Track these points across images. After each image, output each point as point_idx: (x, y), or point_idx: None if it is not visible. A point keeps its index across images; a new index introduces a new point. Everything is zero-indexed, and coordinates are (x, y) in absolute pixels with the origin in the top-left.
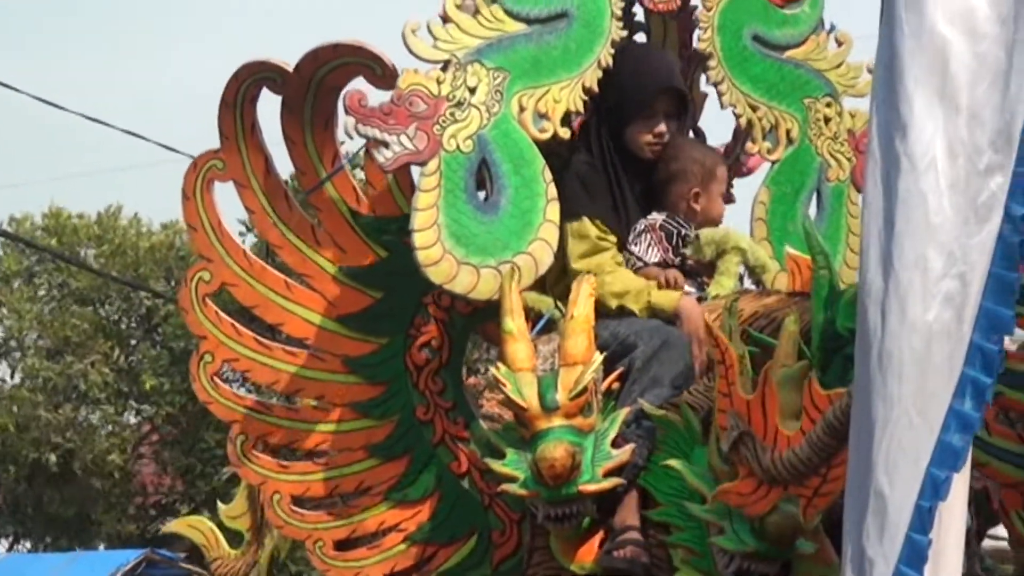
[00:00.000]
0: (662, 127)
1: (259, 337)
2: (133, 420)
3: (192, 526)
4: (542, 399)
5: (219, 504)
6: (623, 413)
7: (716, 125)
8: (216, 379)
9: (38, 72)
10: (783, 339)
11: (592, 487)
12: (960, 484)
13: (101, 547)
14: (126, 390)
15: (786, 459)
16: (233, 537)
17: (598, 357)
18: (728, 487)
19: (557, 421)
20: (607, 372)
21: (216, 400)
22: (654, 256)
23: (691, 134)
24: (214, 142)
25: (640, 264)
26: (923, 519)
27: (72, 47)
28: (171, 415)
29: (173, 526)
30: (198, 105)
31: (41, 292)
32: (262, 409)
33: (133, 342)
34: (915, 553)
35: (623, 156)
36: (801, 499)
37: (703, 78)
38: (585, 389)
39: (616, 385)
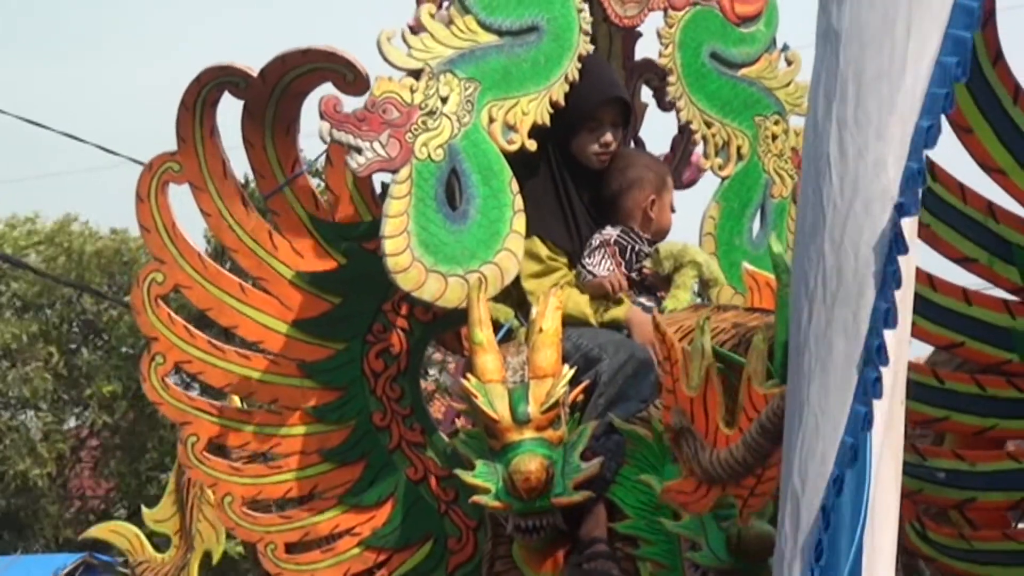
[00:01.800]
0: (608, 137)
1: (212, 340)
2: (72, 425)
3: (115, 531)
4: (513, 411)
5: (143, 508)
6: (591, 426)
7: (651, 135)
8: (167, 380)
9: None
10: (752, 356)
11: (564, 500)
12: (890, 490)
13: (39, 551)
14: (66, 396)
15: (723, 458)
16: (161, 541)
17: (568, 371)
18: (671, 485)
19: (528, 434)
20: (572, 385)
21: (167, 401)
22: (603, 270)
23: (632, 143)
24: (157, 146)
25: (589, 276)
26: (826, 519)
27: (13, 50)
28: (112, 422)
29: (95, 531)
30: (140, 109)
31: None
32: (214, 411)
33: (73, 346)
34: (820, 553)
35: (571, 168)
36: (738, 499)
37: (644, 88)
38: (557, 402)
39: (581, 398)
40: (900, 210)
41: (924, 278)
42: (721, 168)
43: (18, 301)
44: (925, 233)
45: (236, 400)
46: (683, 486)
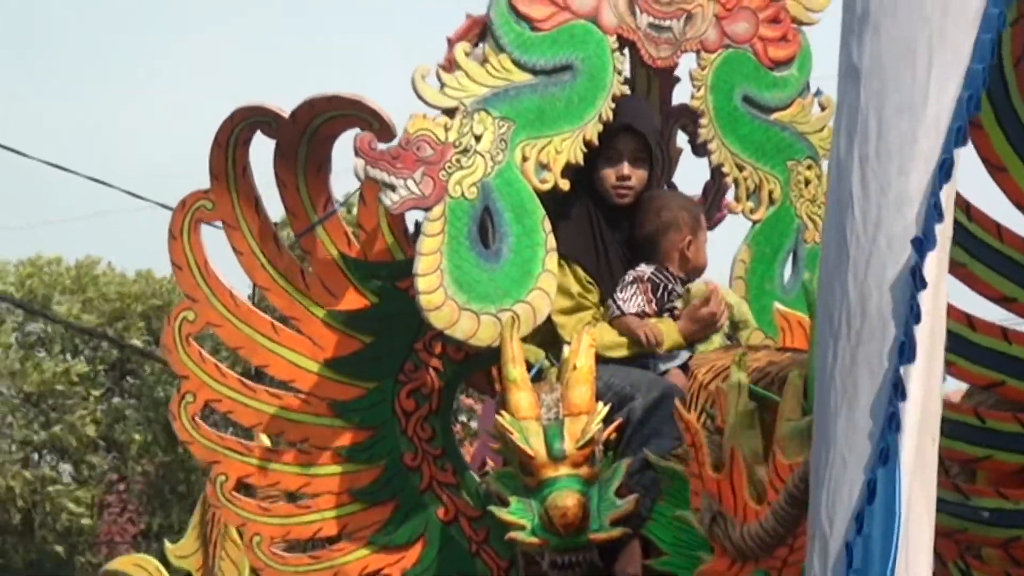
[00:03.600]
0: (626, 170)
1: (243, 379)
2: (105, 468)
3: (138, 564)
4: (549, 448)
5: (166, 543)
6: (626, 463)
7: (685, 180)
8: (197, 419)
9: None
10: (788, 394)
11: (601, 535)
12: (924, 528)
13: None
14: (96, 442)
15: (753, 532)
16: None
17: (602, 408)
18: (704, 568)
19: (564, 470)
20: (606, 423)
21: (197, 440)
22: (633, 307)
23: (665, 187)
24: (182, 191)
25: (618, 312)
26: (850, 556)
27: (39, 93)
28: (142, 469)
29: (117, 563)
30: (166, 154)
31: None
32: (244, 450)
33: (97, 392)
34: None
35: (601, 204)
36: (772, 571)
37: (680, 133)
38: (592, 439)
39: (614, 435)
40: (918, 245)
41: (963, 318)
42: (752, 212)
43: (44, 341)
44: (962, 273)
45: (264, 439)
46: (717, 566)
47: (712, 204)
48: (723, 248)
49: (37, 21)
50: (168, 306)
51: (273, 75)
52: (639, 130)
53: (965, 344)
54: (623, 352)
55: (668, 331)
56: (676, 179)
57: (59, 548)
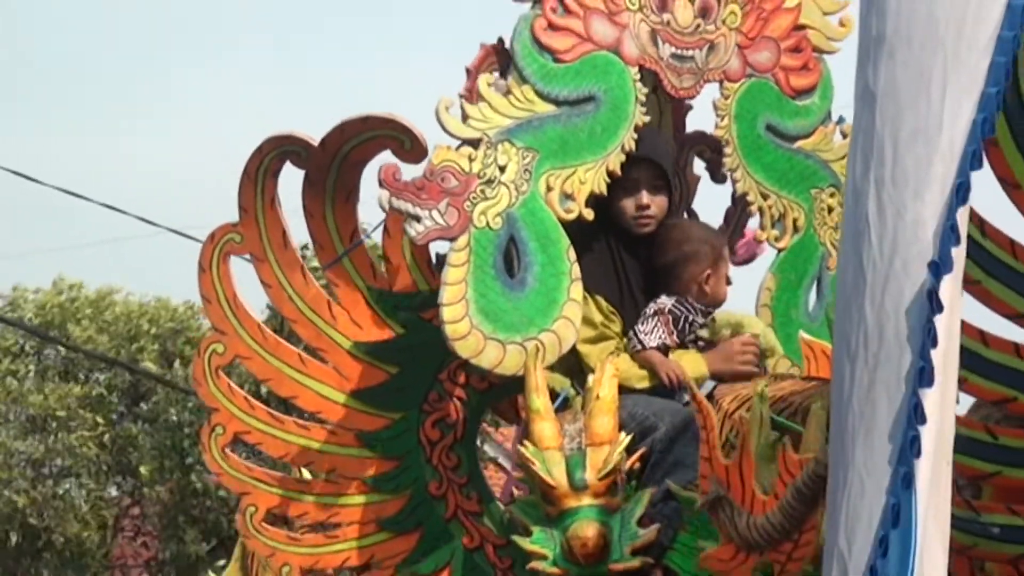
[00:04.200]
0: (645, 199)
1: (272, 411)
2: (115, 494)
3: None
4: (571, 478)
5: (210, 574)
6: (648, 493)
7: (703, 207)
8: (227, 451)
9: (14, 146)
10: (811, 424)
11: (622, 565)
12: (937, 551)
13: None
14: (108, 465)
15: (760, 524)
16: None
17: (625, 438)
18: (709, 552)
19: (586, 500)
20: (628, 453)
21: (227, 471)
22: (654, 340)
23: (684, 214)
24: (194, 217)
25: (639, 347)
26: None
27: (52, 122)
28: (154, 493)
29: None
30: (179, 181)
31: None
32: (273, 481)
33: (114, 417)
34: None
35: (621, 235)
36: (775, 564)
37: (697, 160)
38: (614, 469)
39: (637, 465)
40: (934, 269)
41: (976, 334)
42: (777, 240)
43: (62, 366)
44: (977, 290)
45: (305, 472)
46: (722, 553)
47: (734, 231)
48: (747, 276)
49: (50, 52)
50: (183, 331)
51: (282, 104)
52: (654, 159)
53: (978, 360)
54: (644, 384)
55: (693, 363)
56: (696, 206)
57: (70, 572)
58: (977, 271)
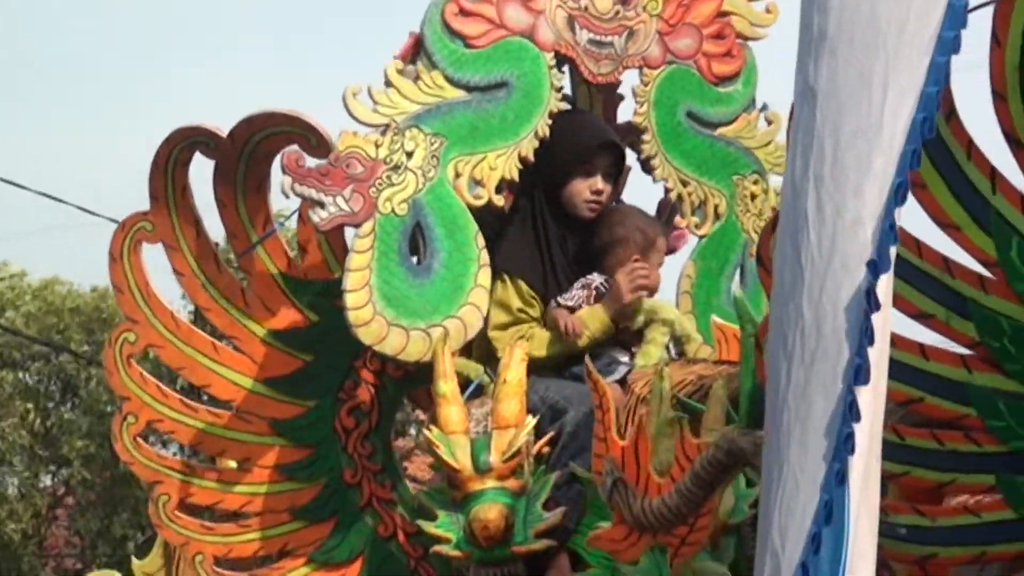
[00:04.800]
0: (600, 184)
1: (185, 399)
2: (48, 483)
3: None
4: (475, 461)
5: (133, 560)
6: (554, 476)
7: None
8: (139, 439)
9: None
10: (712, 404)
11: (524, 548)
12: (867, 547)
13: None
14: (43, 454)
15: (656, 507)
16: None
17: (531, 420)
18: (599, 532)
19: (490, 483)
20: (537, 436)
21: (138, 460)
22: (570, 300)
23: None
24: (136, 206)
25: (555, 305)
26: (806, 575)
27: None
28: (87, 479)
29: None
30: (120, 170)
31: None
32: (186, 470)
33: (51, 404)
34: None
35: (557, 219)
36: (669, 547)
37: (628, 151)
38: (518, 452)
39: (546, 449)
40: (873, 268)
41: None
42: (698, 227)
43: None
44: None
45: (231, 463)
46: (613, 534)
47: (666, 221)
48: (671, 263)
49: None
50: (111, 320)
51: (225, 96)
52: (620, 146)
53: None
54: (544, 351)
55: (592, 315)
56: (637, 197)
57: (2, 563)
58: None
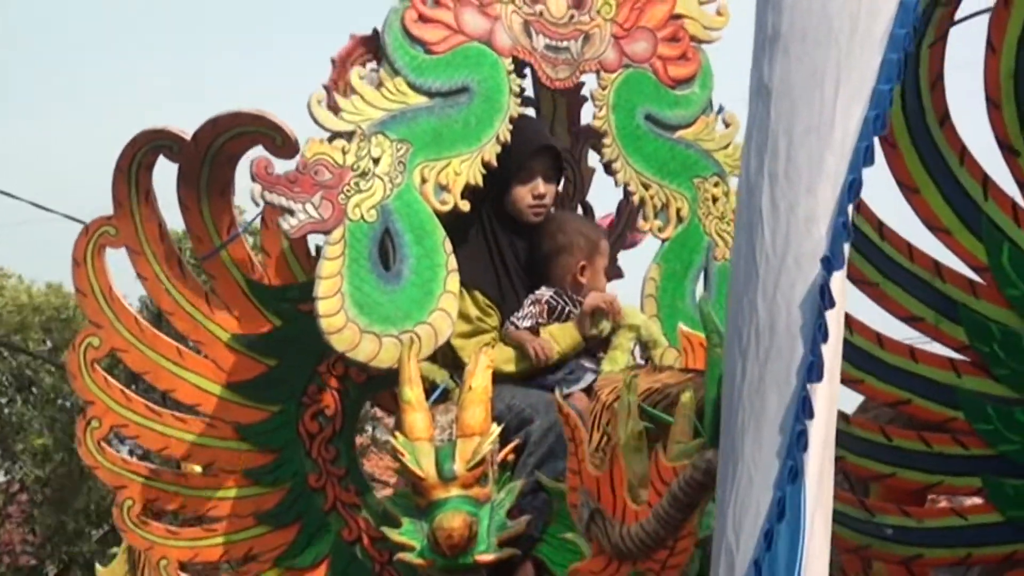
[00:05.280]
0: (541, 188)
1: (149, 403)
2: (1, 479)
3: None
4: (440, 469)
5: (97, 566)
6: (519, 485)
7: (600, 200)
8: (103, 444)
9: None
10: (679, 415)
11: (488, 557)
12: (822, 544)
13: None
14: None
15: (634, 533)
16: None
17: (495, 429)
18: (579, 566)
19: (454, 491)
20: (503, 444)
21: (102, 465)
22: (526, 322)
23: (580, 209)
24: (91, 202)
25: (511, 328)
26: (758, 573)
27: None
28: (43, 476)
29: None
30: (76, 166)
31: None
32: (150, 475)
33: (4, 400)
34: None
35: (506, 226)
36: (650, 573)
37: (591, 154)
38: (483, 460)
39: (511, 457)
40: (826, 264)
41: (872, 336)
42: (660, 230)
43: None
44: (874, 292)
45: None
46: (593, 565)
47: (626, 224)
48: (636, 267)
49: None
50: (72, 319)
51: (184, 91)
52: (556, 148)
53: (874, 362)
54: (513, 367)
55: (564, 332)
56: (595, 199)
57: None
58: (875, 273)
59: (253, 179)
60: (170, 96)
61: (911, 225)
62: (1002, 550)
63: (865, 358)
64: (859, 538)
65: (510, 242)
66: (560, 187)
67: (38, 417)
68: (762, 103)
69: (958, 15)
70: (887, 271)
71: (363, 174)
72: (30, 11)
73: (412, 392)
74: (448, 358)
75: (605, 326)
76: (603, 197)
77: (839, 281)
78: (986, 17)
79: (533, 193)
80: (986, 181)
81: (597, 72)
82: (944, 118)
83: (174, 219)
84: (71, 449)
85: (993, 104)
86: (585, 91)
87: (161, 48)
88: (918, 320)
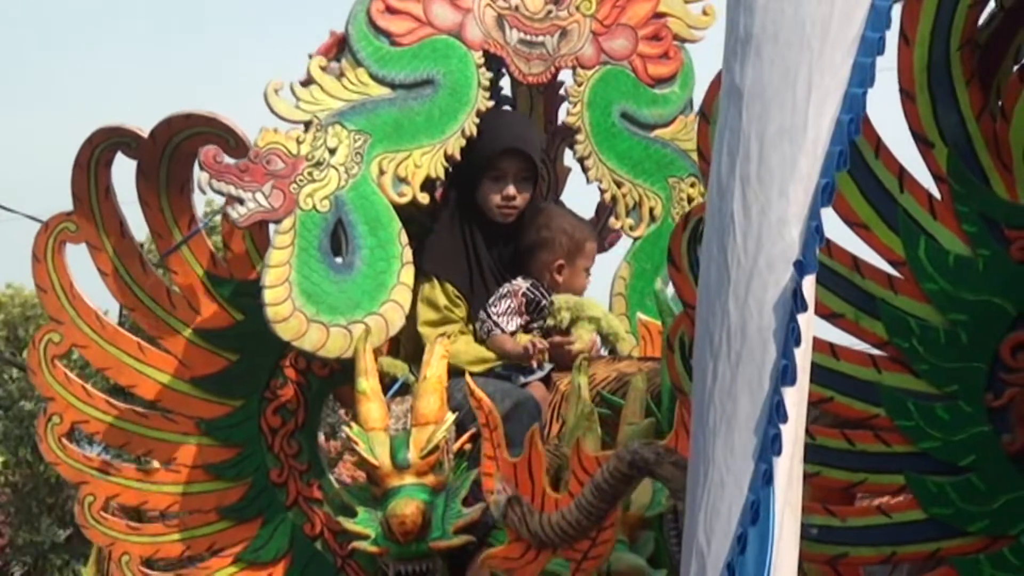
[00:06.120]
0: (511, 190)
1: (110, 399)
2: None
3: None
4: (394, 457)
5: (82, 570)
6: (474, 473)
7: (579, 199)
8: (64, 440)
9: None
10: (630, 398)
11: (442, 544)
12: (790, 547)
13: None
14: None
15: (555, 522)
16: None
17: (450, 417)
18: (495, 552)
19: (408, 479)
20: (460, 433)
21: (64, 461)
22: (512, 325)
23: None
24: (54, 202)
25: (497, 331)
26: (732, 574)
27: None
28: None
29: None
30: (37, 166)
31: None
32: (111, 470)
33: None
34: None
35: (480, 220)
36: (571, 563)
37: (568, 152)
38: (437, 448)
39: (469, 446)
40: (799, 268)
41: None
42: (632, 229)
43: None
44: None
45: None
46: (509, 552)
47: (604, 223)
48: (608, 264)
49: None
50: (34, 318)
51: (148, 90)
52: (526, 152)
53: None
54: (483, 367)
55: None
56: (572, 198)
57: None
58: None
59: (201, 168)
60: (140, 95)
61: (829, 221)
62: (926, 547)
63: None
64: (830, 549)
65: (484, 235)
66: (534, 189)
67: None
68: (734, 105)
69: None
70: None
71: (317, 164)
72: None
73: (367, 383)
74: (409, 349)
75: (565, 316)
76: (582, 197)
77: (811, 284)
78: (898, 7)
79: (502, 194)
80: (902, 173)
81: (574, 68)
82: None
83: (134, 216)
84: (37, 452)
85: (907, 96)
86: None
87: (128, 47)
88: (838, 316)
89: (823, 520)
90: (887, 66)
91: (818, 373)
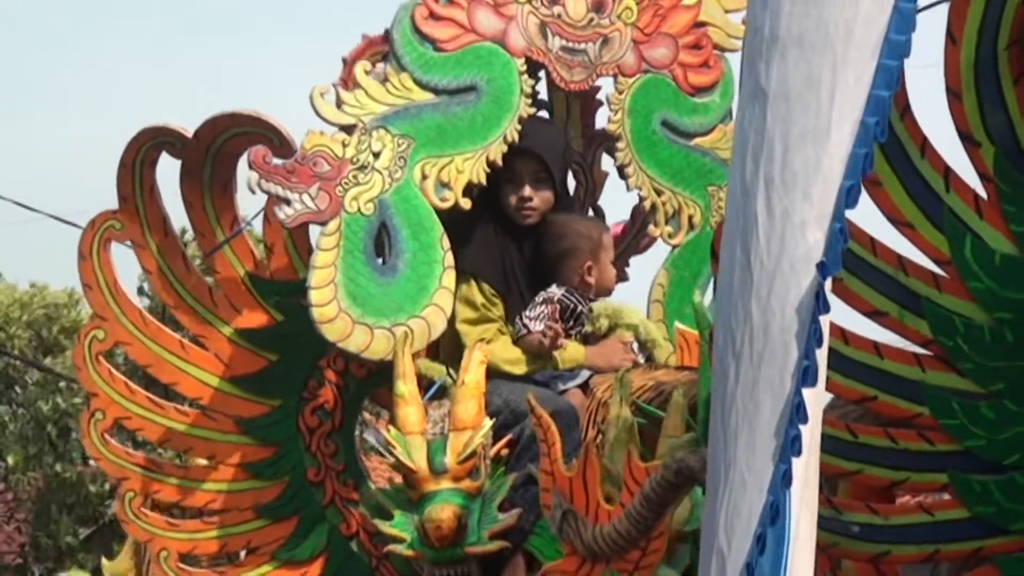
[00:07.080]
0: (527, 191)
1: (152, 396)
2: None
3: None
4: (431, 462)
5: (103, 560)
6: (511, 478)
7: (614, 203)
8: (106, 436)
9: None
10: (671, 411)
11: (478, 549)
12: (807, 547)
13: None
14: None
15: (607, 533)
16: None
17: (488, 422)
18: (553, 566)
19: (445, 484)
20: (497, 438)
21: (105, 457)
22: (540, 326)
23: (591, 212)
24: (75, 202)
25: (524, 332)
26: (751, 575)
27: None
28: (26, 479)
29: None
30: (60, 166)
31: None
32: (152, 467)
33: None
34: None
35: (506, 222)
36: (623, 573)
37: (604, 157)
38: (474, 453)
39: (505, 452)
40: (822, 269)
41: (837, 332)
42: (671, 236)
43: None
44: (838, 287)
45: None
46: (566, 565)
47: (641, 228)
48: (646, 270)
49: None
50: (57, 319)
51: (168, 92)
52: (535, 152)
53: (839, 358)
54: (522, 368)
55: (572, 349)
56: (609, 203)
57: None
58: (840, 270)
59: (251, 167)
60: (159, 98)
61: (874, 219)
62: (969, 546)
63: (830, 355)
64: (827, 536)
65: (514, 239)
66: (571, 190)
67: (18, 421)
68: (758, 106)
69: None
70: (851, 266)
71: (362, 167)
72: (11, 12)
73: (405, 386)
74: (449, 351)
75: (603, 323)
76: (618, 202)
77: (831, 286)
78: (945, 8)
79: (519, 196)
80: (948, 173)
81: (615, 76)
82: (905, 110)
83: (178, 215)
84: (56, 454)
85: (954, 95)
86: (601, 95)
87: (146, 50)
88: (882, 315)
89: (865, 518)
90: (934, 63)
91: (862, 371)
